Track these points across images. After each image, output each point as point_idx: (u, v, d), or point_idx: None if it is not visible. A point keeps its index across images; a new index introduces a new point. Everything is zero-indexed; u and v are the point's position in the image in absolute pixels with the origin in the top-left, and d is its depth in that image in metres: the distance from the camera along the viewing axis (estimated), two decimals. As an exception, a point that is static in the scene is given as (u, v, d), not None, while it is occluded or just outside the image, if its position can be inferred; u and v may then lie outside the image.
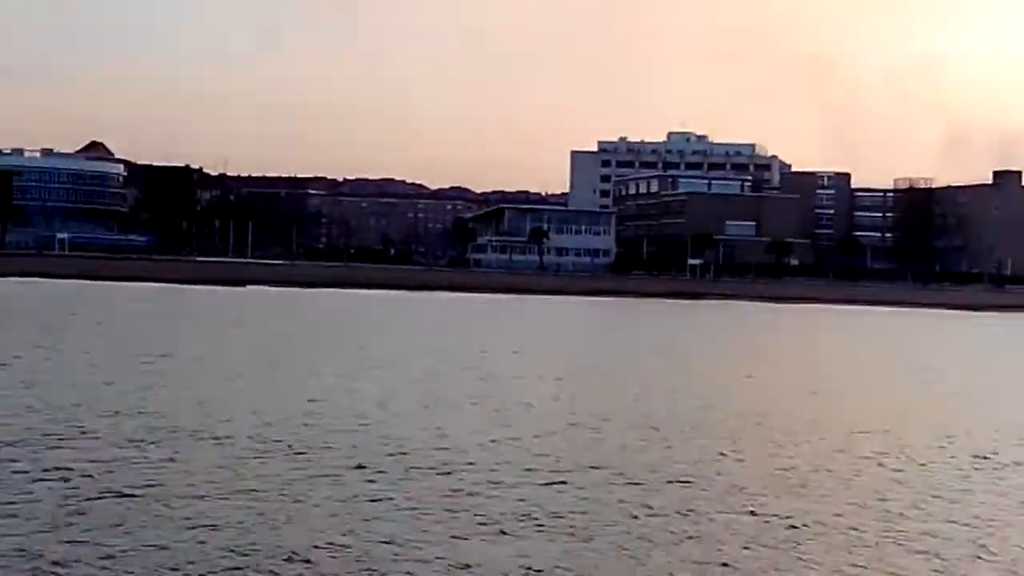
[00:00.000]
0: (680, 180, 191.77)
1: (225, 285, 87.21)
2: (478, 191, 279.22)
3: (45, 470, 15.54)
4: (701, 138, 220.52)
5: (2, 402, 21.70)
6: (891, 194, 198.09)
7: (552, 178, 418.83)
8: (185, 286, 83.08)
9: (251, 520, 13.17)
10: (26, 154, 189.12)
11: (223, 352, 34.86)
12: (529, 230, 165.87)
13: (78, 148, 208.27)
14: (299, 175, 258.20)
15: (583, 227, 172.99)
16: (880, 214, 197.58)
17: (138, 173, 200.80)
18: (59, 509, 13.40)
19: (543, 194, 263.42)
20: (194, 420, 20.33)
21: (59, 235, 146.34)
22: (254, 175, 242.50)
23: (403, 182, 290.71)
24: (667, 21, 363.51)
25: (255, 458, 17.00)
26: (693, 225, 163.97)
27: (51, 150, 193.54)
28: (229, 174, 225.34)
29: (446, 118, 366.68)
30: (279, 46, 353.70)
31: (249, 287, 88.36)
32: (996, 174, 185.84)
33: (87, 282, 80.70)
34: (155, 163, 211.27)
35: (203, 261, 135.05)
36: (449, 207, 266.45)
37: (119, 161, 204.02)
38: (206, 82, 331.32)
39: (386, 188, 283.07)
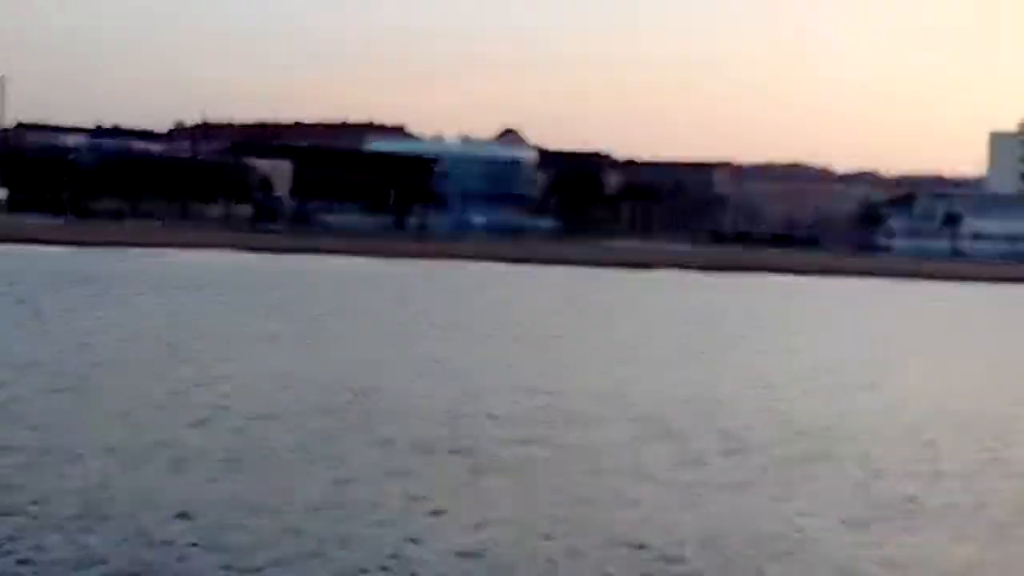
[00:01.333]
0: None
1: (632, 268, 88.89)
2: (887, 175, 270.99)
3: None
4: None
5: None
6: None
7: (967, 161, 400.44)
8: (593, 268, 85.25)
9: None
10: (446, 141, 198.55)
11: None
12: (943, 215, 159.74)
13: (493, 135, 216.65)
14: (705, 160, 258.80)
15: (1005, 213, 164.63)
16: None
17: (549, 159, 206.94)
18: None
19: (956, 177, 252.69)
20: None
21: (475, 219, 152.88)
22: (662, 160, 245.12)
23: (809, 166, 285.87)
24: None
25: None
26: None
27: (468, 137, 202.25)
28: (637, 159, 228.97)
29: (852, 98, 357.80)
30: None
31: (656, 271, 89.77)
32: None
33: (502, 265, 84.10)
34: (565, 149, 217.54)
35: (609, 245, 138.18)
36: (856, 191, 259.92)
37: (531, 147, 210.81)
38: (608, 68, 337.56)
39: (792, 172, 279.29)
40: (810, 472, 16.62)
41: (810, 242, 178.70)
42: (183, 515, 12.17)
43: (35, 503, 12.47)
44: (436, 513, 12.83)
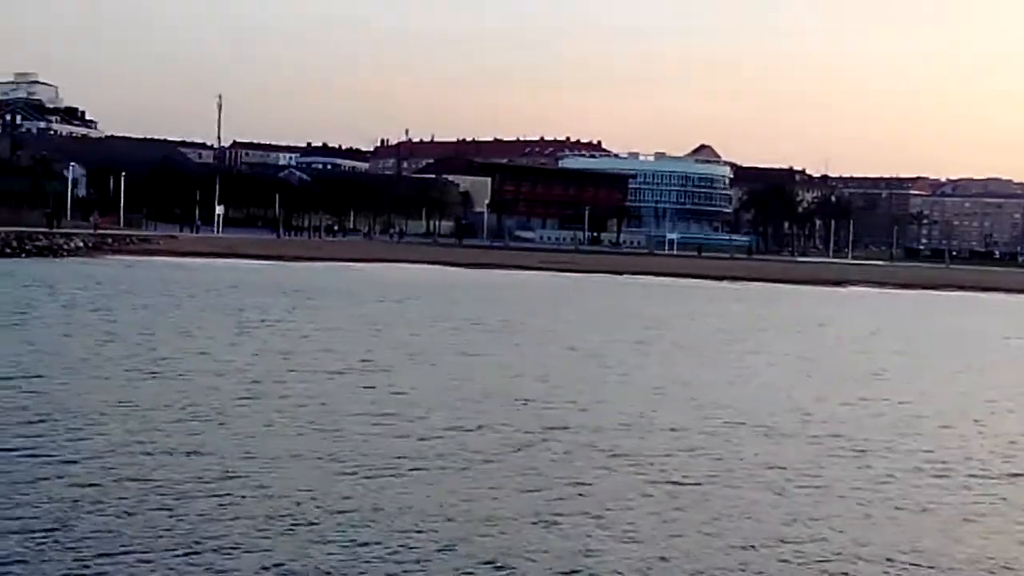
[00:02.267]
0: None
1: (820, 285, 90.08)
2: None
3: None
4: None
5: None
6: None
7: None
8: (779, 285, 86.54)
9: None
10: (641, 157, 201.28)
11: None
12: None
13: (687, 151, 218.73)
14: (901, 175, 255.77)
15: None
16: None
17: (743, 175, 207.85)
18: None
19: None
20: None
21: (669, 235, 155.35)
22: (855, 175, 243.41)
23: (1010, 181, 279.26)
24: None
25: None
26: None
27: (663, 153, 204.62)
28: (831, 175, 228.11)
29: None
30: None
31: (848, 287, 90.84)
32: None
33: (690, 280, 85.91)
34: (759, 165, 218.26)
35: (801, 261, 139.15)
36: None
37: (726, 163, 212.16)
38: (796, 82, 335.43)
39: (990, 188, 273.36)
40: None
41: (1010, 259, 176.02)
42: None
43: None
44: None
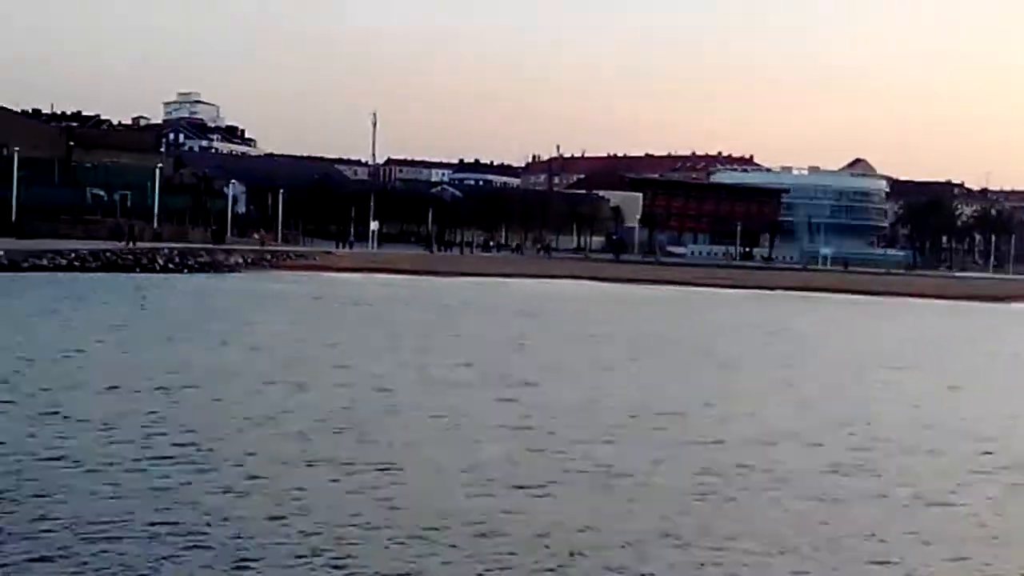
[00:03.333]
0: None
1: (989, 301, 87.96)
2: None
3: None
4: None
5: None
6: None
7: None
8: (948, 301, 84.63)
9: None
10: (794, 171, 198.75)
11: None
12: None
13: (842, 165, 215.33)
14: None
15: None
16: None
17: (899, 188, 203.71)
18: None
19: None
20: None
21: (823, 250, 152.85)
22: (1017, 189, 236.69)
23: None
24: None
25: None
26: None
27: (817, 167, 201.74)
28: (991, 188, 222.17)
29: None
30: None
31: (1011, 303, 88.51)
32: None
33: (853, 296, 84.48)
34: (916, 179, 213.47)
35: (960, 276, 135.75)
36: None
37: (881, 177, 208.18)
38: (953, 92, 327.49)
39: None
40: None
41: None
42: None
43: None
44: None
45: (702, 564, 11.92)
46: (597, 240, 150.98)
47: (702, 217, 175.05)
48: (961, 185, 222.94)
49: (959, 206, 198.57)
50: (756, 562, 12.08)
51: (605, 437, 18.83)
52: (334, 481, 14.75)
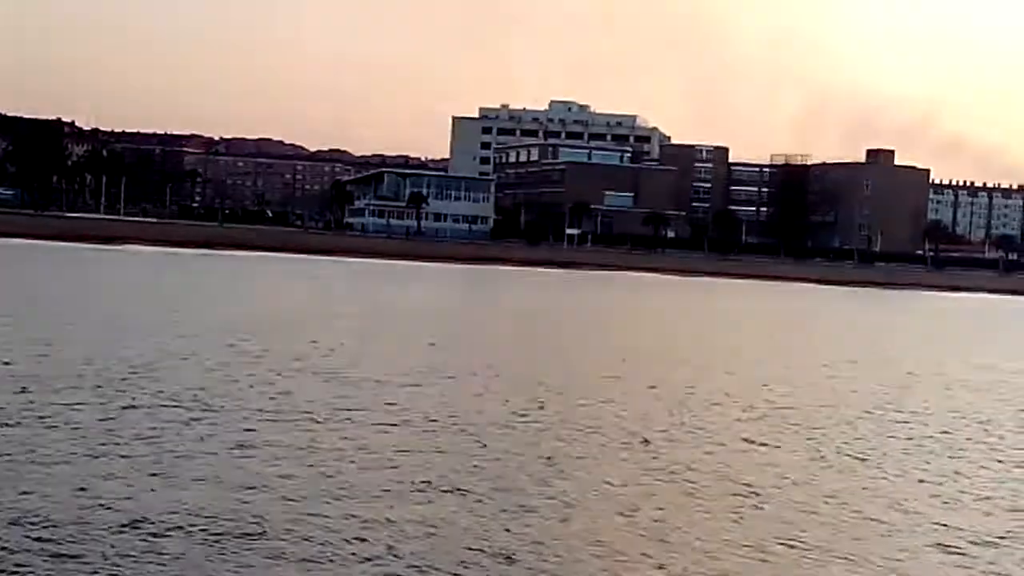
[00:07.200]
0: (560, 149, 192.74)
1: (95, 242, 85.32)
2: (357, 154, 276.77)
3: None
4: (583, 108, 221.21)
5: None
6: (767, 169, 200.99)
7: (433, 144, 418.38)
8: (52, 242, 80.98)
9: None
10: None
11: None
12: (408, 195, 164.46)
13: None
14: (174, 132, 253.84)
15: (463, 193, 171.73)
16: (756, 189, 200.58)
17: (6, 124, 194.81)
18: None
19: (424, 159, 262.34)
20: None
21: None
22: (128, 131, 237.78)
23: (281, 142, 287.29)
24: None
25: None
26: (572, 195, 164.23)
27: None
28: (103, 128, 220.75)
29: (327, 78, 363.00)
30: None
31: (122, 246, 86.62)
32: (869, 152, 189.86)
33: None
34: (25, 115, 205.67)
35: (73, 217, 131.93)
36: (327, 169, 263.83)
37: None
38: (81, 32, 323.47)
39: (263, 148, 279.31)
40: None
41: (281, 218, 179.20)
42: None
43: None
44: None
45: None
46: None
47: None
48: (72, 124, 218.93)
49: (71, 146, 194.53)
50: None
51: None
52: None
